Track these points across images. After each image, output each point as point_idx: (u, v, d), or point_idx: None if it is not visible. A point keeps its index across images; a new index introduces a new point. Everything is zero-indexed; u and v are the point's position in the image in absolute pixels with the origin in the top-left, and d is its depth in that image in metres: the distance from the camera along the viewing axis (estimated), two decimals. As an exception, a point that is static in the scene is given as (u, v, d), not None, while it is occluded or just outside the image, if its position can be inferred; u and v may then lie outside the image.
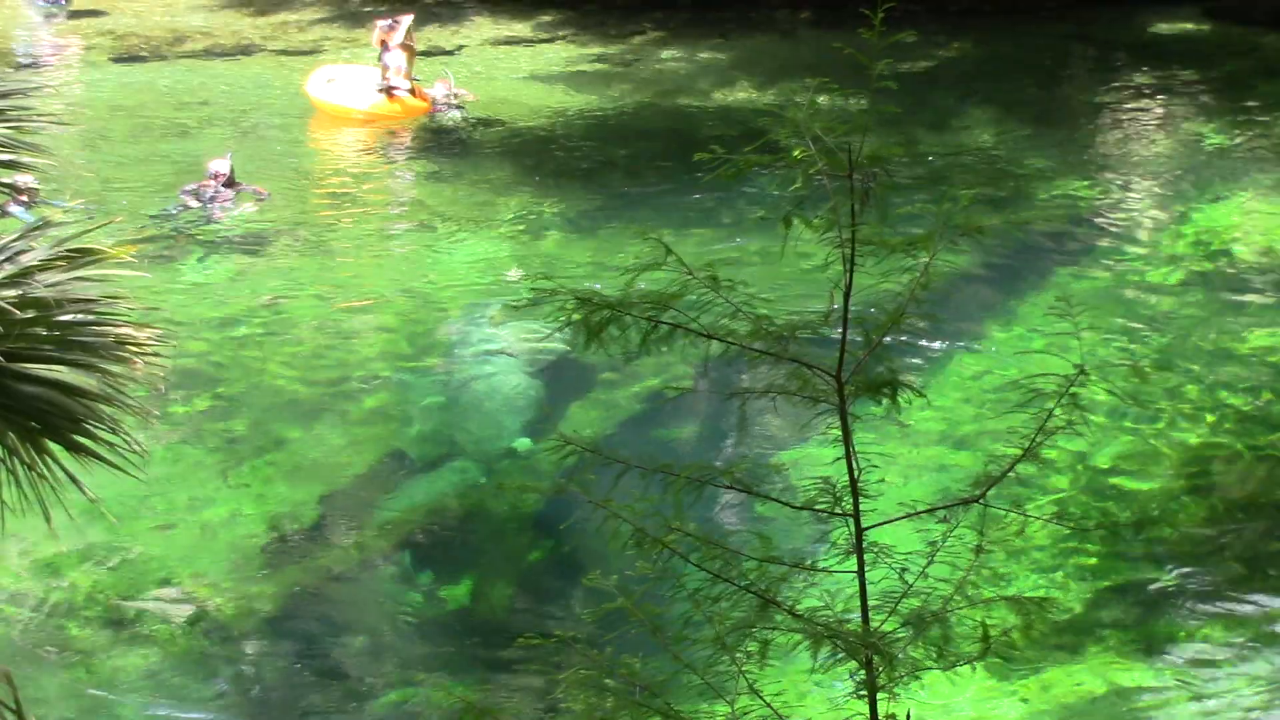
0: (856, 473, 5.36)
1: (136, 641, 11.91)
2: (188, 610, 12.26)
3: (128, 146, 22.41)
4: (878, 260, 5.19)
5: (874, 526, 5.46)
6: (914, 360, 14.88)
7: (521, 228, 19.51)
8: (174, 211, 19.53)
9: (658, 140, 22.66)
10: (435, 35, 28.02)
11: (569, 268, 17.21)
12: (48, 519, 6.77)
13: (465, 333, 16.55)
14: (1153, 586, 12.29)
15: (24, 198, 17.53)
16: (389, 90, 23.46)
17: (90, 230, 6.99)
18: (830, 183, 5.03)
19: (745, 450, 13.97)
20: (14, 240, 6.83)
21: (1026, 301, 16.82)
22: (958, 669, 5.53)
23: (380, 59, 23.76)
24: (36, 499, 6.67)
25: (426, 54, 25.74)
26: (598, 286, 14.33)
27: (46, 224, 6.99)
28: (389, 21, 23.77)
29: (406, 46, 23.64)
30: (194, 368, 15.48)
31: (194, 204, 19.70)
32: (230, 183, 19.99)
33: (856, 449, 5.34)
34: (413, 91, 23.60)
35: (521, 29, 28.60)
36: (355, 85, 23.65)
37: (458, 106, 23.76)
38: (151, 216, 19.38)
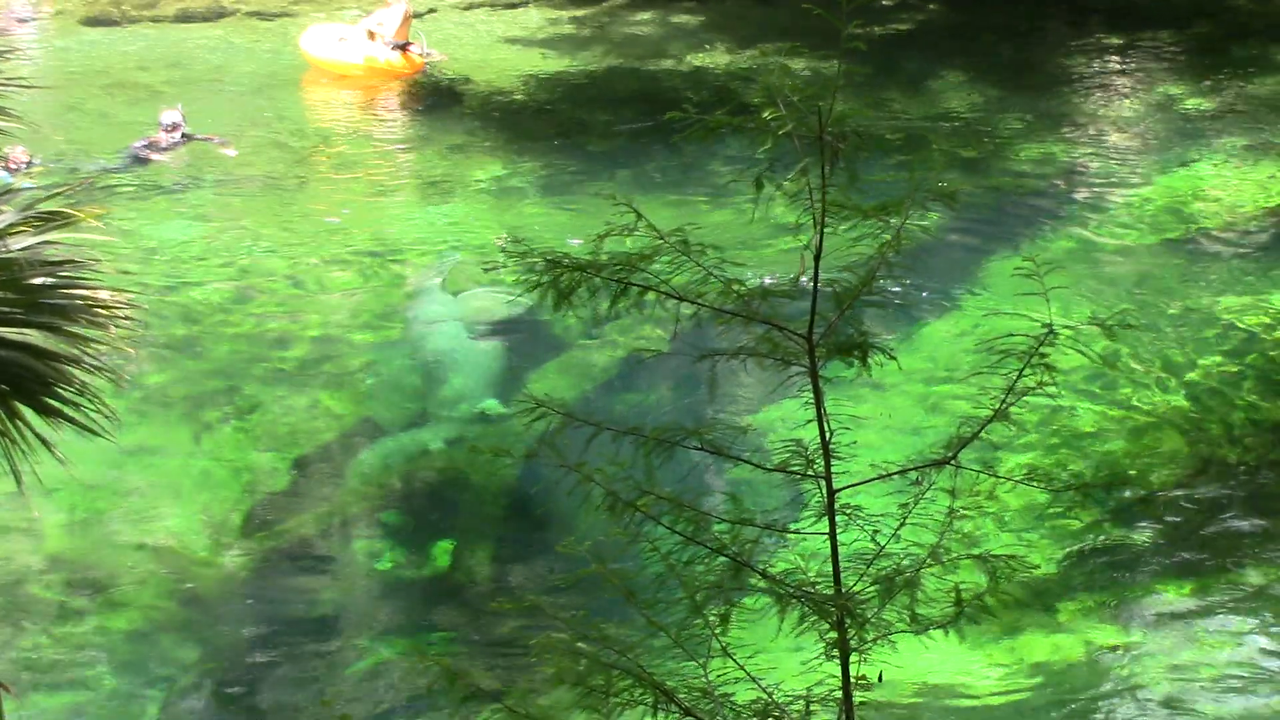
0: (828, 435, 5.35)
1: (109, 605, 11.89)
2: (161, 574, 12.24)
3: (98, 110, 22.26)
4: (851, 225, 5.17)
5: (846, 488, 5.46)
6: (887, 323, 14.89)
7: (493, 191, 19.45)
8: (99, 166, 19.46)
9: (630, 104, 22.58)
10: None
11: (540, 231, 17.15)
12: (19, 482, 6.75)
13: (436, 297, 16.50)
14: (1124, 547, 12.35)
15: (12, 165, 17.55)
16: (403, 47, 23.51)
17: (58, 193, 6.95)
18: (801, 145, 5.01)
19: (717, 412, 13.97)
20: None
21: (999, 264, 16.83)
22: (930, 633, 5.54)
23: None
24: (8, 464, 6.64)
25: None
26: (577, 242, 14.39)
27: (10, 191, 6.96)
28: None
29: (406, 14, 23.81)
30: (161, 331, 15.41)
31: (156, 156, 19.59)
32: (185, 135, 19.90)
33: (829, 411, 5.34)
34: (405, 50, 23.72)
35: (494, -9, 28.47)
36: (361, 43, 23.72)
37: (427, 63, 23.87)
38: (106, 169, 19.34)
